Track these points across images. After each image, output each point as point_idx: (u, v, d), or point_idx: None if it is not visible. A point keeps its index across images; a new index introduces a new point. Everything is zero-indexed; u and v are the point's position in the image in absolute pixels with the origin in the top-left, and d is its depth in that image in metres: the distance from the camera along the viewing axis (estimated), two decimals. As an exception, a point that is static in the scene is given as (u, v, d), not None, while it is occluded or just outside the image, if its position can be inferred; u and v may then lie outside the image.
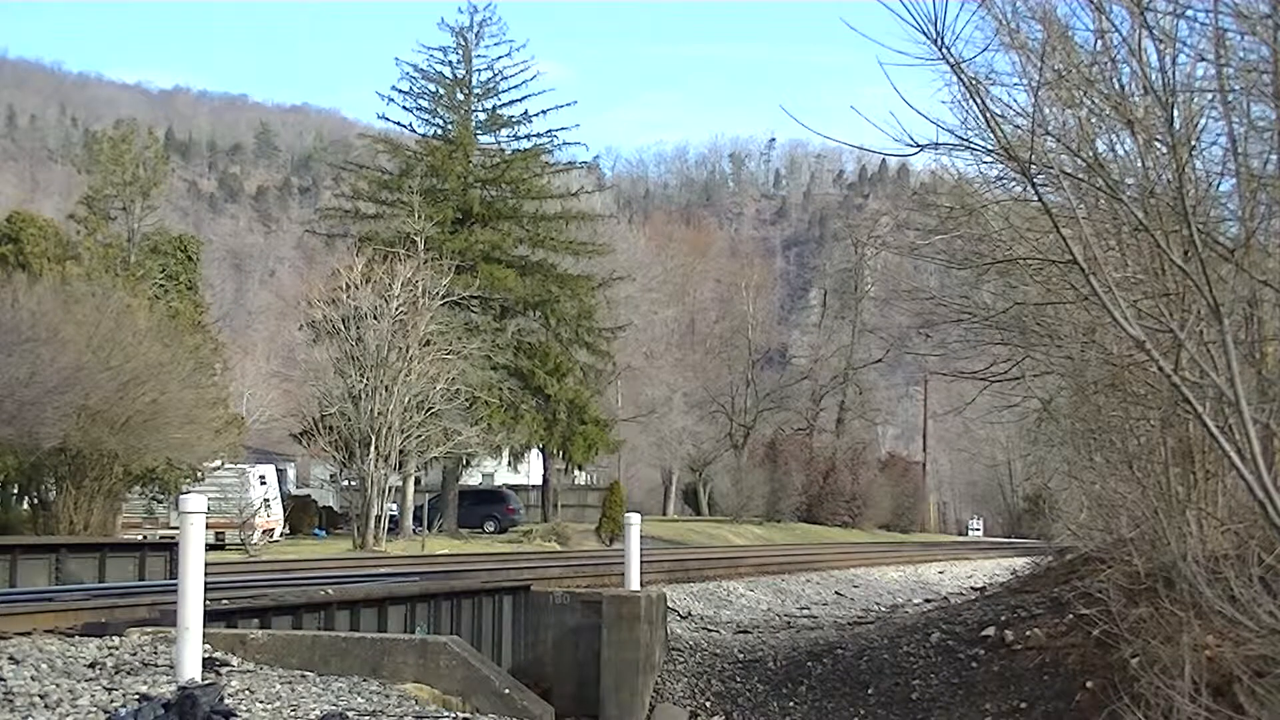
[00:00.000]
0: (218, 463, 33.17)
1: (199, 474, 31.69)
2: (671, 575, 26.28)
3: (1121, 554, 13.05)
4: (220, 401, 33.68)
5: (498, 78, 50.35)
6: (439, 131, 50.07)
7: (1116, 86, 9.57)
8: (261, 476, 39.49)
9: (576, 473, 58.26)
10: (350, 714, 9.05)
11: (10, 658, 9.85)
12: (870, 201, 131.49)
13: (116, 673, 9.71)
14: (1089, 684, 13.35)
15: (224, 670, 10.11)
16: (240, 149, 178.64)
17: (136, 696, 8.73)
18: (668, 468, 71.53)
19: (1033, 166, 8.80)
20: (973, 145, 10.30)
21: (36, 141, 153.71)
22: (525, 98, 50.31)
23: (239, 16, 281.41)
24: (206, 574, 9.87)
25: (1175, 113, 8.45)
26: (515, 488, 55.55)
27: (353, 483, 37.89)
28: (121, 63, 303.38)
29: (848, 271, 76.42)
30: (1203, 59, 9.15)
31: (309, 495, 49.11)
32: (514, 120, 50.36)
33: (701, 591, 26.28)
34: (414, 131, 50.48)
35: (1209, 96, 9.25)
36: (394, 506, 41.96)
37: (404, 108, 50.91)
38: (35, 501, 28.63)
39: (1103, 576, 13.16)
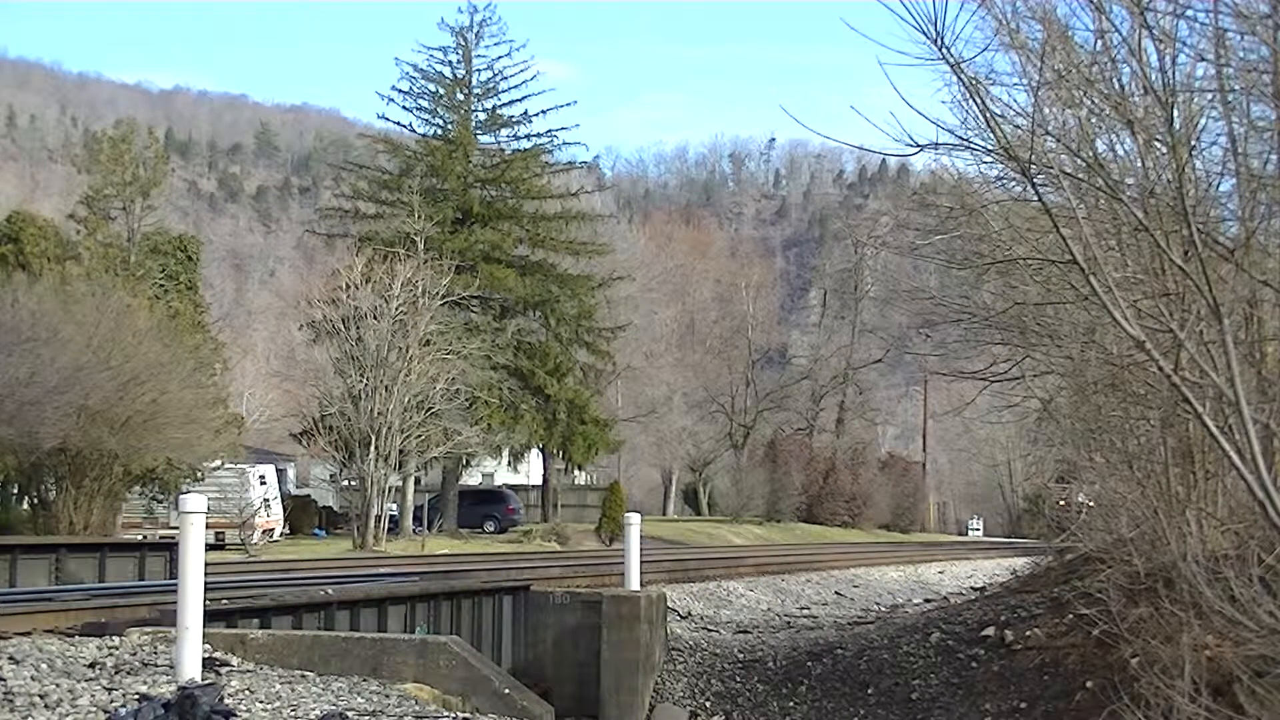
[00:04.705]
0: (218, 463, 33.13)
1: (199, 474, 31.66)
2: (671, 575, 26.28)
3: (1121, 554, 13.05)
4: (220, 401, 33.65)
5: (498, 78, 50.38)
6: (439, 131, 50.04)
7: (1116, 86, 9.57)
8: (261, 476, 39.48)
9: (576, 473, 58.23)
10: (350, 714, 9.05)
11: (10, 658, 9.84)
12: (870, 201, 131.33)
13: (116, 673, 9.71)
14: (1089, 684, 13.35)
15: (224, 670, 10.11)
16: (240, 149, 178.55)
17: (136, 696, 8.72)
18: (668, 468, 71.51)
19: (1033, 166, 8.81)
20: (973, 145, 10.33)
21: (36, 141, 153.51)
22: (525, 98, 50.39)
23: (239, 16, 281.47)
24: (206, 574, 9.87)
25: (1175, 113, 8.45)
26: (515, 488, 55.50)
27: (353, 483, 37.89)
28: (121, 63, 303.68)
29: (848, 271, 76.30)
30: (1203, 59, 9.17)
31: (309, 495, 49.07)
32: (514, 120, 50.36)
33: (701, 591, 26.28)
34: (414, 131, 50.50)
35: (1209, 96, 9.26)
36: (394, 506, 41.97)
37: (404, 108, 51.01)
38: (35, 501, 28.60)
39: (1103, 576, 13.16)
